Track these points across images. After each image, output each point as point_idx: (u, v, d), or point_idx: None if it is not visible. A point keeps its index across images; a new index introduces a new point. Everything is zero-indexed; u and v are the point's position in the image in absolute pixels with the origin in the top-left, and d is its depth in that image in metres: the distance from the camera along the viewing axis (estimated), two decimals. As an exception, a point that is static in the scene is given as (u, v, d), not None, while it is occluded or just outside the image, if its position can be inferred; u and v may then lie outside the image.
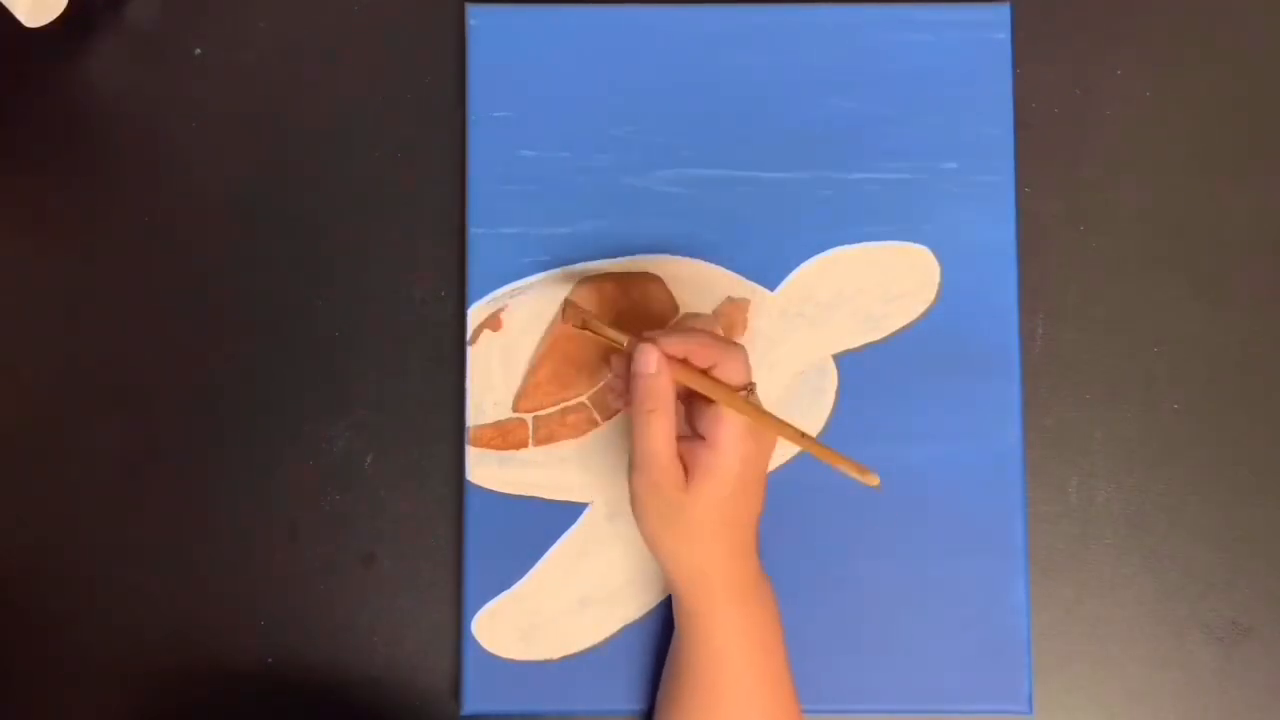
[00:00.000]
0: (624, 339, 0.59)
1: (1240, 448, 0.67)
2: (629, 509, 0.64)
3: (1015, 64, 0.67)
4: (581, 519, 0.65)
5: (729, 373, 0.57)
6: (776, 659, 0.60)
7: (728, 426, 0.57)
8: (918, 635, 0.65)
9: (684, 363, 0.58)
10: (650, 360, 0.57)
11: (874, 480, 0.56)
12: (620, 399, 0.63)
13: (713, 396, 0.57)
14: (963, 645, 0.64)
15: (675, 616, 0.62)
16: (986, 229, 0.66)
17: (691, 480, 0.57)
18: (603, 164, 0.67)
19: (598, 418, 0.66)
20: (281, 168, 0.68)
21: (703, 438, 0.57)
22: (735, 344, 0.59)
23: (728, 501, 0.57)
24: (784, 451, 0.65)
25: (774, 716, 0.60)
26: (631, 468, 0.58)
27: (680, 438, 0.58)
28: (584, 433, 0.66)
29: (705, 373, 0.58)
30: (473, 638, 0.65)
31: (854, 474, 0.56)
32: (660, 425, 0.57)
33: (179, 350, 0.67)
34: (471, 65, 0.67)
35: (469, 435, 0.66)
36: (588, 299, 0.66)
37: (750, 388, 0.58)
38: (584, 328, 0.60)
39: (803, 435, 0.57)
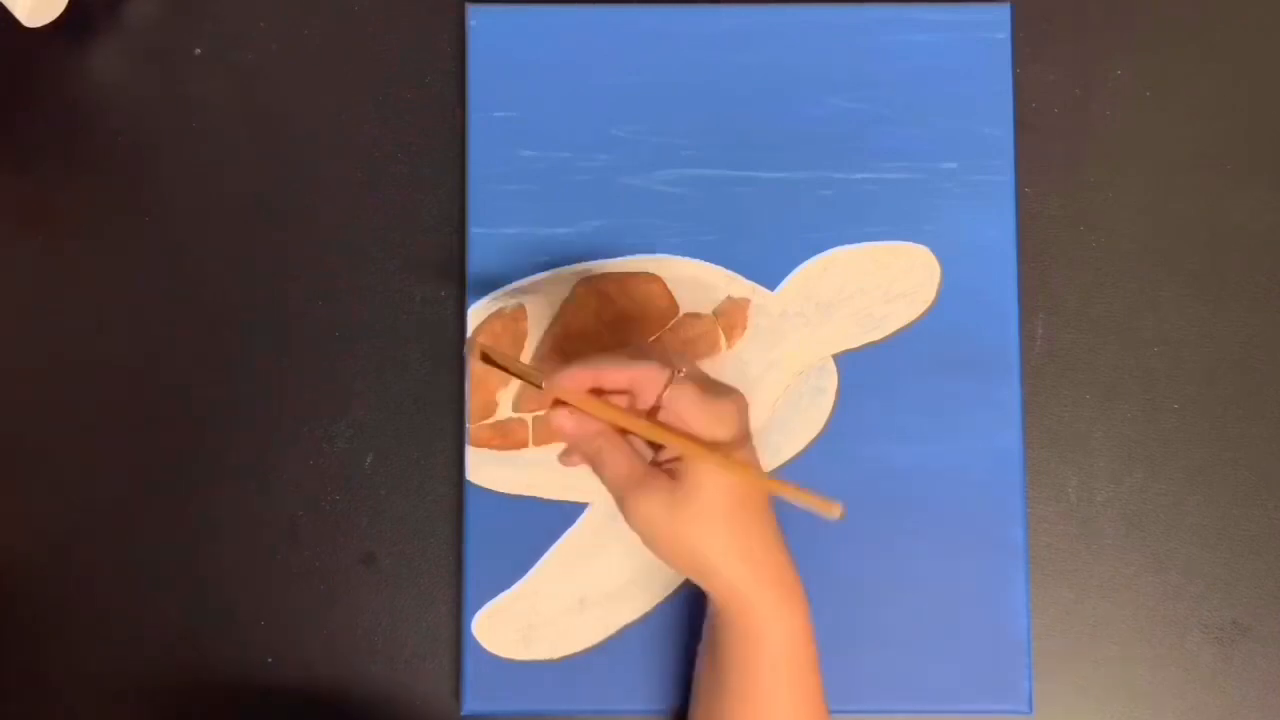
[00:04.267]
0: (537, 374, 0.57)
1: (1240, 448, 0.67)
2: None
3: (1015, 64, 0.67)
4: (581, 519, 0.65)
5: (644, 387, 0.56)
6: (814, 664, 0.58)
7: (687, 411, 0.55)
8: (918, 635, 0.65)
9: (597, 393, 0.57)
10: (563, 422, 0.57)
11: (836, 511, 0.54)
12: (569, 459, 0.62)
13: (625, 426, 0.56)
14: (963, 645, 0.64)
15: (713, 630, 0.59)
16: (986, 229, 0.66)
17: (685, 486, 0.55)
18: (603, 164, 0.67)
19: (598, 418, 0.66)
20: (281, 168, 0.68)
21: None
22: (642, 351, 0.57)
23: (733, 498, 0.55)
24: (784, 451, 0.65)
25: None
26: (621, 508, 0.57)
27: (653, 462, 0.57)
28: (584, 433, 0.66)
29: (608, 398, 0.56)
30: (473, 638, 0.65)
31: (814, 506, 0.54)
32: (614, 456, 0.56)
33: (179, 350, 0.67)
34: (471, 65, 0.67)
35: (469, 435, 0.66)
36: (588, 299, 0.66)
37: (673, 375, 0.56)
38: (489, 362, 0.58)
39: (705, 446, 0.54)
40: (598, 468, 0.57)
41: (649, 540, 0.57)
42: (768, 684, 0.57)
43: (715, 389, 0.57)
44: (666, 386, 0.56)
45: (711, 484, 0.55)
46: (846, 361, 0.66)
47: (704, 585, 0.58)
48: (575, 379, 0.56)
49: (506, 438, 0.66)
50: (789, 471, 0.65)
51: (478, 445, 0.65)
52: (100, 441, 0.67)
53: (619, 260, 0.66)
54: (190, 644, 0.66)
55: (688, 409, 0.55)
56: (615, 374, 0.57)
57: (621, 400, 0.57)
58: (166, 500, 0.66)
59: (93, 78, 0.69)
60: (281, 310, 0.67)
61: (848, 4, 0.67)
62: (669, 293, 0.66)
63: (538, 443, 0.65)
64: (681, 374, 0.56)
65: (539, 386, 0.57)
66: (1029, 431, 0.66)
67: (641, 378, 0.56)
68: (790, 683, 0.57)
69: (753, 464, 0.57)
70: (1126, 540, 0.66)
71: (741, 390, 0.66)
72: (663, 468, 0.57)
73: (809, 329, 0.66)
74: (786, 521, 0.63)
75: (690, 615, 0.64)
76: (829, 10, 0.67)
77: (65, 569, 0.66)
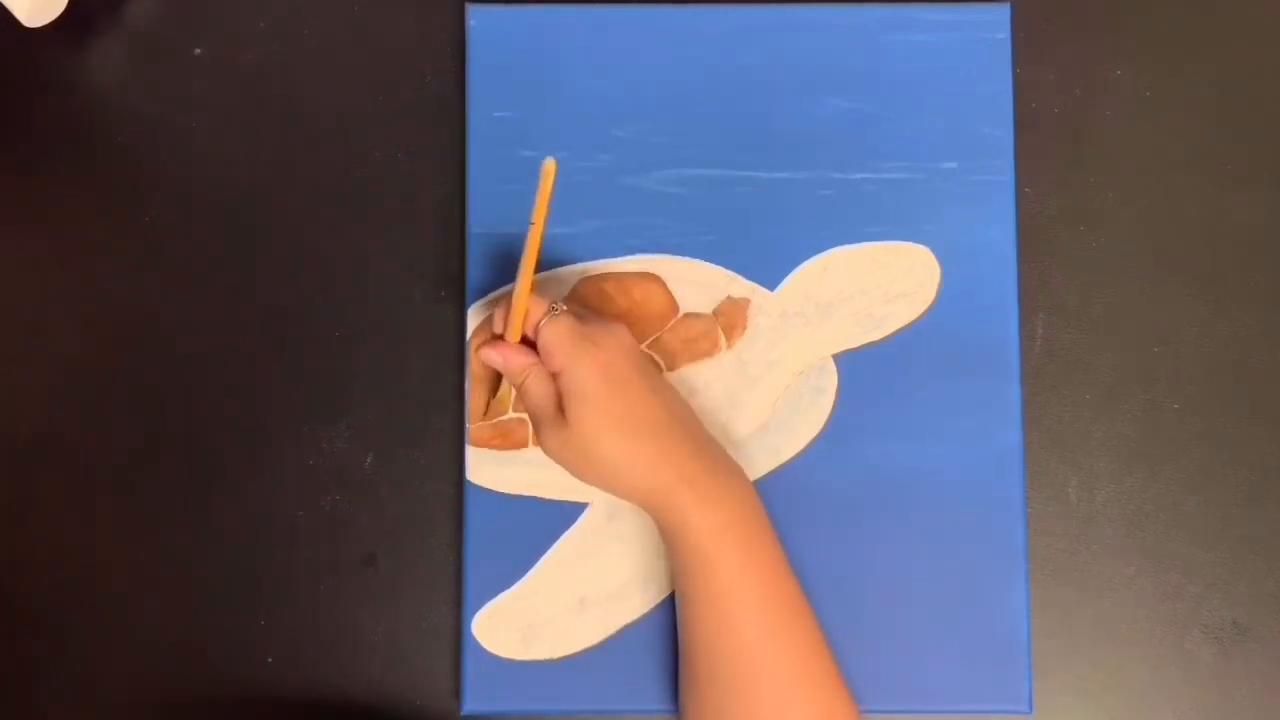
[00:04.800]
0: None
1: (1240, 448, 0.67)
2: (629, 508, 0.64)
3: (1015, 64, 0.67)
4: (581, 519, 0.65)
5: (524, 320, 0.61)
6: (766, 549, 0.60)
7: (553, 347, 0.59)
8: (918, 635, 0.65)
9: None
10: (492, 357, 0.62)
11: (551, 166, 0.57)
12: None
13: (517, 326, 0.61)
14: (963, 645, 0.64)
15: (666, 549, 0.61)
16: (986, 229, 0.66)
17: (564, 409, 0.59)
18: (603, 164, 0.67)
19: (598, 418, 0.66)
20: (281, 168, 0.68)
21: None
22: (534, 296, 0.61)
23: (607, 407, 0.58)
24: (784, 451, 0.65)
25: (781, 609, 0.59)
26: (537, 435, 0.61)
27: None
28: (584, 433, 0.66)
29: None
30: (473, 638, 0.65)
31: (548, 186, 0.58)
32: (532, 385, 0.60)
33: (179, 350, 0.67)
34: (471, 65, 0.67)
35: (469, 435, 0.66)
36: (588, 299, 0.66)
37: (551, 306, 0.60)
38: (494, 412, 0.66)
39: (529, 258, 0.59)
40: (523, 396, 0.61)
41: (559, 464, 0.61)
42: (716, 581, 0.59)
43: (592, 324, 0.60)
44: (543, 316, 0.60)
45: (585, 416, 0.58)
46: (846, 361, 0.66)
47: (620, 497, 0.61)
48: (499, 324, 0.63)
49: (506, 438, 0.66)
50: (789, 471, 0.65)
51: (478, 445, 0.65)
52: (100, 441, 0.67)
53: (619, 260, 0.66)
54: (190, 644, 0.66)
55: (554, 342, 0.59)
56: (505, 314, 0.61)
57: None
58: (166, 500, 0.66)
59: (93, 78, 0.69)
60: (282, 310, 0.67)
61: (848, 4, 0.67)
62: (669, 293, 0.66)
63: (538, 443, 0.65)
64: (559, 310, 0.60)
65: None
66: (1029, 431, 0.66)
67: (517, 310, 0.60)
68: (737, 573, 0.59)
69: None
70: (1126, 540, 0.66)
71: (743, 390, 0.66)
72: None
73: (809, 329, 0.66)
74: (786, 523, 0.63)
75: (690, 615, 0.64)
76: (829, 10, 0.67)
77: (65, 569, 0.66)
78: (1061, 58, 0.68)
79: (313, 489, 0.66)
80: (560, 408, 0.59)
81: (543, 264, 0.66)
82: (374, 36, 0.69)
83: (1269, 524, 0.66)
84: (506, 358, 0.61)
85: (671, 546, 0.60)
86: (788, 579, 0.60)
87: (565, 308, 0.60)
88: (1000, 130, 0.67)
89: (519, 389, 0.61)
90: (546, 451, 0.60)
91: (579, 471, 0.60)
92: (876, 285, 0.66)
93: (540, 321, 0.60)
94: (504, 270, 0.66)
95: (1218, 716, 0.66)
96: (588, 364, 0.59)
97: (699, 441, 0.61)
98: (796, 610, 0.60)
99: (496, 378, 0.65)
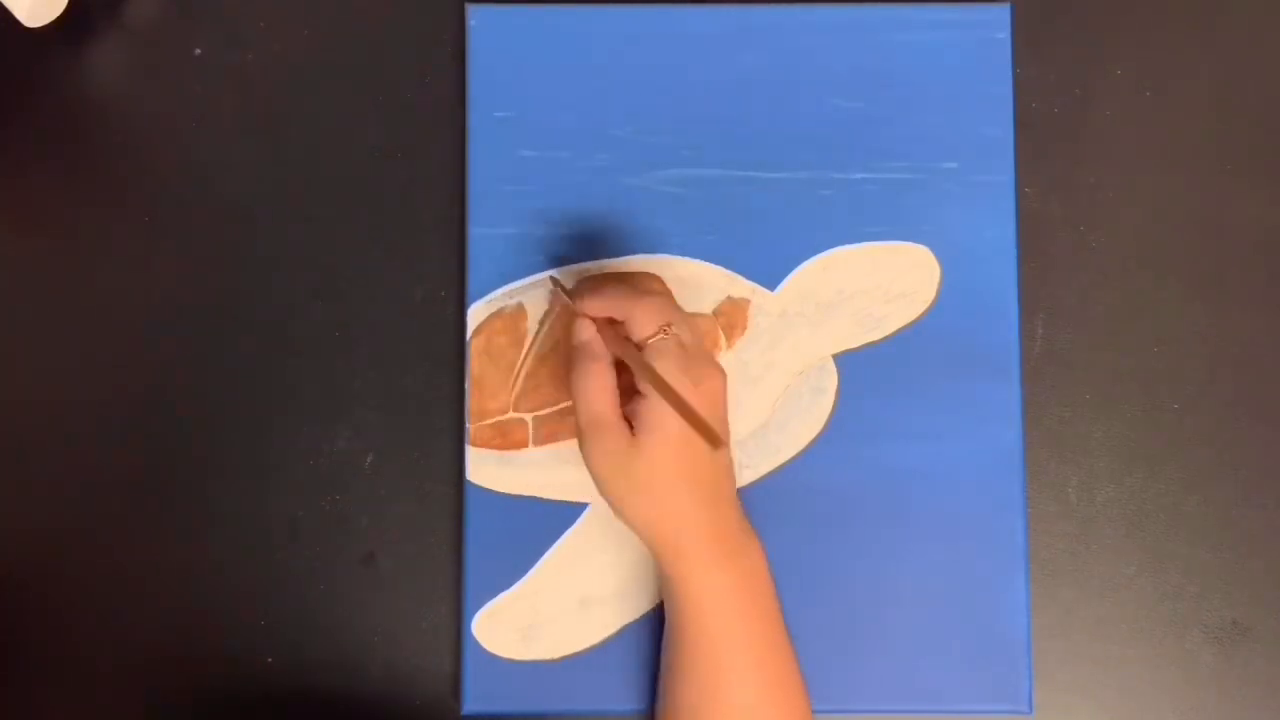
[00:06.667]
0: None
1: (1240, 448, 0.67)
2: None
3: (1015, 64, 0.67)
4: (581, 519, 0.65)
5: (638, 325, 0.58)
6: (768, 622, 0.59)
7: (660, 365, 0.57)
8: (918, 635, 0.65)
9: (610, 323, 0.60)
10: (582, 328, 0.60)
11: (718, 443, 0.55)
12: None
13: (619, 355, 0.59)
14: (963, 645, 0.64)
15: (661, 588, 0.61)
16: (986, 229, 0.66)
17: (637, 434, 0.58)
18: (603, 164, 0.67)
19: (598, 418, 0.66)
20: (281, 168, 0.68)
21: (643, 395, 0.58)
22: (648, 293, 0.60)
23: (678, 452, 0.57)
24: (784, 451, 0.65)
25: (772, 682, 0.59)
26: (580, 435, 0.59)
27: (628, 398, 0.59)
28: (584, 433, 0.66)
29: (615, 330, 0.60)
30: (473, 638, 0.65)
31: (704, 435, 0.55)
32: (595, 384, 0.59)
33: (179, 350, 0.67)
34: (471, 65, 0.67)
35: (469, 435, 0.66)
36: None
37: (663, 330, 0.58)
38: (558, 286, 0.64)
39: (673, 393, 0.56)
40: (581, 391, 0.59)
41: (598, 482, 0.59)
42: (706, 642, 0.58)
43: (696, 361, 0.58)
44: (653, 336, 0.58)
45: (656, 452, 0.57)
46: (846, 361, 0.66)
47: (630, 527, 0.60)
48: (599, 307, 0.60)
49: (506, 438, 0.66)
50: (789, 471, 0.65)
51: (478, 445, 0.65)
52: (100, 441, 0.67)
53: (619, 260, 0.66)
54: (190, 644, 0.66)
55: (661, 367, 0.57)
56: (619, 304, 0.59)
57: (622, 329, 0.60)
58: (166, 500, 0.66)
59: (93, 78, 0.69)
60: (281, 310, 0.67)
61: (848, 4, 0.67)
62: (669, 293, 0.66)
63: (538, 443, 0.65)
64: (670, 330, 0.58)
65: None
66: (1029, 431, 0.66)
67: (639, 316, 0.59)
68: (729, 635, 0.58)
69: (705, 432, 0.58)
70: (1126, 540, 0.66)
71: (743, 390, 0.66)
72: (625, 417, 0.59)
73: (809, 329, 0.66)
74: (786, 522, 0.63)
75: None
76: (829, 10, 0.67)
77: (64, 569, 0.66)
78: (1061, 58, 0.68)
79: (313, 489, 0.66)
80: (622, 415, 0.58)
81: (545, 267, 0.66)
82: (374, 36, 0.69)
83: (1269, 524, 0.66)
84: (594, 336, 0.60)
85: (669, 597, 0.60)
86: (781, 646, 0.60)
87: (677, 331, 0.58)
88: (1000, 130, 0.67)
89: (577, 376, 0.59)
90: (594, 455, 0.59)
91: (607, 489, 0.59)
92: (876, 285, 0.66)
93: (651, 340, 0.58)
94: (504, 270, 0.66)
95: (1218, 716, 0.66)
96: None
97: (724, 499, 0.60)
98: (783, 679, 0.59)
99: (492, 379, 0.65)
